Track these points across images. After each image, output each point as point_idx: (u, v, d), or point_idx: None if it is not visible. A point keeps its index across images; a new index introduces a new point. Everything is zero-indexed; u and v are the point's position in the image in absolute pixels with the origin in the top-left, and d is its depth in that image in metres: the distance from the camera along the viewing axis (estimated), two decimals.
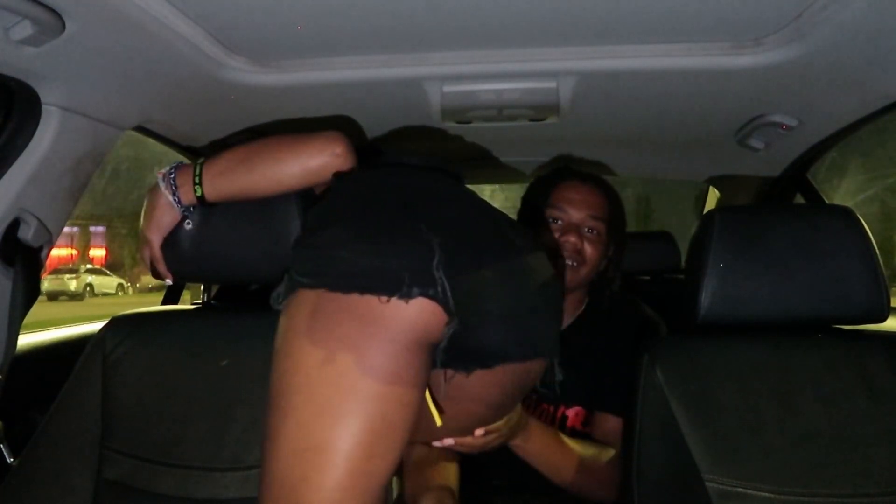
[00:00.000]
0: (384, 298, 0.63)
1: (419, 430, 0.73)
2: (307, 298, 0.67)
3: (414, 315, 0.64)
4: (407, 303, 0.64)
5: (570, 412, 1.21)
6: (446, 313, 0.65)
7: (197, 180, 0.90)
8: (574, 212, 1.23)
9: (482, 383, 0.74)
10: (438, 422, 0.74)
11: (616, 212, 1.29)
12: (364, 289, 0.64)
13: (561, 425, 1.20)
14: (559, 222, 1.24)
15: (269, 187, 0.90)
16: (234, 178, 0.90)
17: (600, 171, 1.56)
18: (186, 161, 0.95)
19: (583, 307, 1.31)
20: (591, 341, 1.22)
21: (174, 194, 0.91)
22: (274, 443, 0.64)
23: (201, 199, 0.90)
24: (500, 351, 0.71)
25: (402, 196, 0.72)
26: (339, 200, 0.76)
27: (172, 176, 0.91)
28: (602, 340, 1.22)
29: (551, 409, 1.22)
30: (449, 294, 0.64)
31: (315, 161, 0.89)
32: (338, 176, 0.84)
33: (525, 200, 1.36)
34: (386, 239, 0.66)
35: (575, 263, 1.21)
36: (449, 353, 0.69)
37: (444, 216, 0.69)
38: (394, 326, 0.64)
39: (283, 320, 0.69)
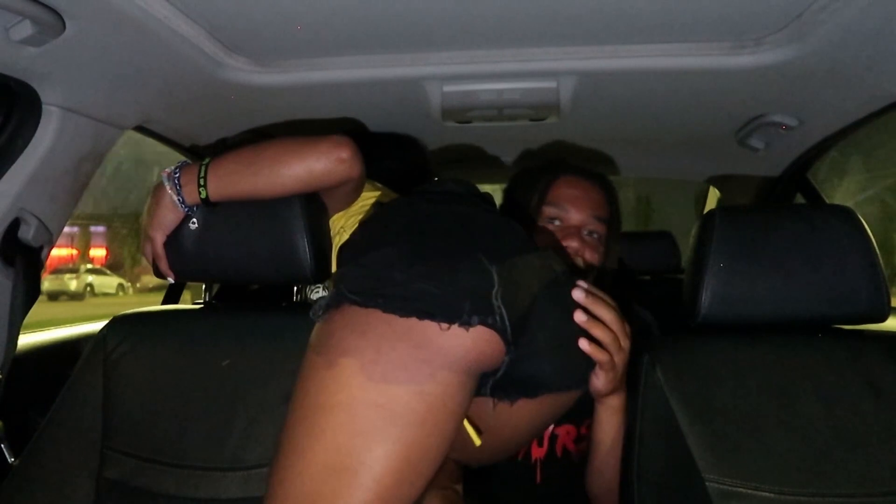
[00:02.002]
0: (444, 325, 0.62)
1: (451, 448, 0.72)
2: (357, 317, 0.65)
3: (471, 344, 0.63)
4: (467, 331, 0.62)
5: (561, 430, 1.13)
6: (503, 343, 0.64)
7: (202, 182, 0.90)
8: (575, 212, 1.11)
9: (522, 411, 0.73)
10: (477, 442, 0.73)
11: (616, 212, 1.18)
12: (423, 314, 0.62)
13: (551, 446, 1.12)
14: (556, 222, 1.12)
15: (273, 191, 0.90)
16: (238, 181, 0.90)
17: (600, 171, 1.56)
18: (188, 160, 0.95)
19: None
20: None
21: (178, 194, 0.91)
22: (302, 458, 0.63)
23: (205, 201, 0.91)
24: (547, 381, 0.70)
25: (457, 223, 0.71)
26: (392, 222, 0.75)
27: (177, 176, 0.91)
28: None
29: None
30: (508, 323, 0.63)
31: (320, 165, 0.89)
32: (381, 204, 0.83)
33: (511, 195, 1.22)
34: (445, 264, 0.65)
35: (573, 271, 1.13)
36: (497, 383, 0.67)
37: (498, 245, 0.68)
38: (450, 354, 0.62)
39: (323, 333, 0.67)
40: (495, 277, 0.64)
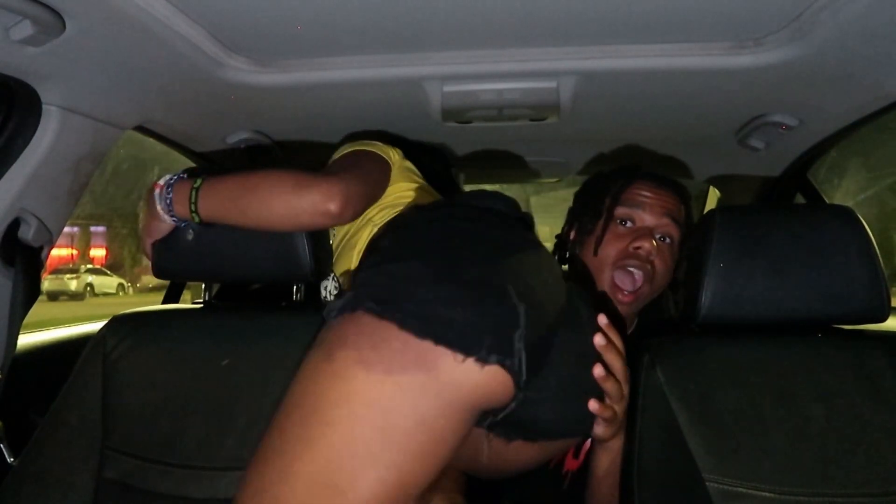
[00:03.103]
0: (459, 357, 0.58)
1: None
2: (371, 327, 0.61)
3: (483, 381, 0.59)
4: (482, 367, 0.59)
5: None
6: (515, 386, 0.61)
7: (193, 208, 0.91)
8: (649, 214, 1.09)
9: (517, 449, 0.72)
10: None
11: (690, 220, 1.14)
12: (440, 339, 0.58)
13: (586, 460, 1.06)
14: (629, 224, 1.10)
15: (260, 228, 0.92)
16: (227, 214, 0.91)
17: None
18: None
19: (632, 329, 1.15)
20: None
21: (169, 212, 0.93)
22: (290, 465, 0.59)
23: (198, 221, 0.93)
24: (549, 428, 0.69)
25: (493, 249, 0.67)
26: (425, 234, 0.71)
27: (169, 196, 0.93)
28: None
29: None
30: (524, 367, 0.60)
31: (305, 217, 0.88)
32: (419, 208, 0.79)
33: (582, 197, 1.21)
34: (473, 292, 0.61)
35: (642, 275, 1.06)
36: (496, 422, 0.66)
37: (529, 281, 0.65)
38: (460, 388, 0.59)
39: (334, 336, 0.63)
40: (522, 318, 0.60)
